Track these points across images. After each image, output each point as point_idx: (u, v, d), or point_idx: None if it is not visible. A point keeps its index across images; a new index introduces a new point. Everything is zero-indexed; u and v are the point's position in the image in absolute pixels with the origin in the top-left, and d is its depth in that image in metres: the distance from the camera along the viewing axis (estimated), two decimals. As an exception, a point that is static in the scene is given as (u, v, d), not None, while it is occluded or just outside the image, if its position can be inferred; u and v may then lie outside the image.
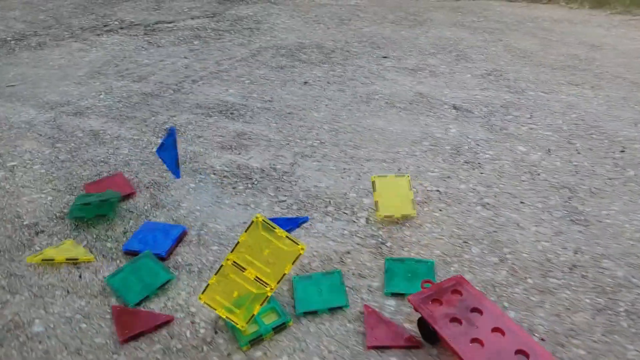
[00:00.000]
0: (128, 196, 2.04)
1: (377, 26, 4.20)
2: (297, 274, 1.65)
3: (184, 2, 5.16)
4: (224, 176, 2.19)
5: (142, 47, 3.90)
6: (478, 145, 2.35)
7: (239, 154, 2.36)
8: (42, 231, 1.87)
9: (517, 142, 2.37)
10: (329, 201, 2.00)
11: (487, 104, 2.75)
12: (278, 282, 1.44)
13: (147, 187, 2.12)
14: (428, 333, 1.42)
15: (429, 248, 1.74)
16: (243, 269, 1.46)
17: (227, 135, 2.54)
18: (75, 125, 2.70)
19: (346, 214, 1.92)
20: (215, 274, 1.45)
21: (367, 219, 1.88)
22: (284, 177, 2.16)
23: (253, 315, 1.43)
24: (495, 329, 1.34)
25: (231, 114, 2.78)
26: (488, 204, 1.95)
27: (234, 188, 2.10)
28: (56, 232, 1.87)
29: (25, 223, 1.93)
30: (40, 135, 2.60)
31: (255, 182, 2.14)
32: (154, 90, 3.13)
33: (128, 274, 1.64)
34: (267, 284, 1.44)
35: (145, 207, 2.00)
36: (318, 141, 2.44)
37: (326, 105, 2.83)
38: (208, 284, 1.46)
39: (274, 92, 3.03)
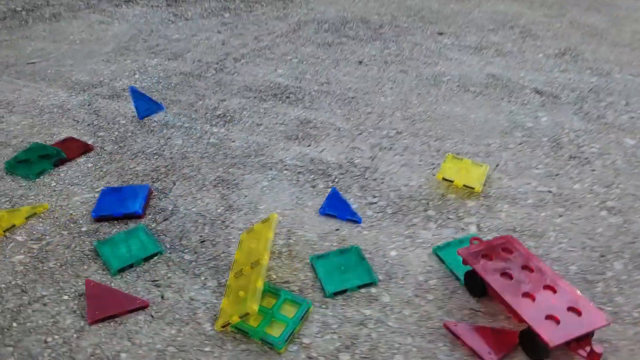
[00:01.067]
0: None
1: (420, -1, 3.90)
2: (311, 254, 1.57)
3: (203, -30, 4.80)
4: (299, 172, 1.94)
5: (169, 20, 3.58)
6: (578, 137, 2.11)
7: (309, 145, 2.11)
8: (104, 239, 1.64)
9: (622, 133, 2.12)
10: (427, 203, 1.77)
11: (573, 88, 2.49)
12: (267, 250, 1.40)
13: (215, 186, 1.88)
14: (476, 286, 1.44)
15: (562, 262, 1.51)
16: (241, 272, 1.43)
17: (289, 123, 2.28)
18: (114, 109, 2.42)
19: (451, 219, 1.70)
20: (225, 297, 1.38)
21: (478, 226, 1.67)
22: (367, 174, 1.92)
23: (257, 288, 1.32)
24: (547, 287, 1.34)
25: (287, 97, 2.51)
26: (613, 208, 1.72)
27: (313, 187, 1.85)
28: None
29: (83, 229, 1.67)
30: (78, 121, 2.32)
31: (336, 180, 1.89)
32: (194, 69, 2.84)
33: (118, 242, 1.60)
34: (259, 260, 1.40)
35: (218, 210, 1.75)
36: (394, 131, 2.19)
37: (391, 88, 2.57)
38: (221, 309, 1.36)
39: (328, 73, 2.75)
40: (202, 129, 2.24)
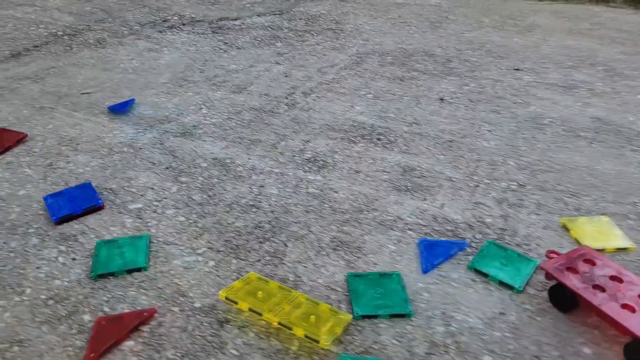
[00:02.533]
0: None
1: (479, 31, 3.74)
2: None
3: (241, -5, 4.63)
4: (425, 233, 1.71)
5: (220, 49, 3.37)
6: None
7: (424, 199, 1.88)
8: (228, 320, 1.38)
9: None
10: (588, 275, 1.55)
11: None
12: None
13: (335, 249, 1.63)
14: (563, 301, 1.39)
15: None
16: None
17: (391, 170, 2.06)
18: (190, 150, 2.18)
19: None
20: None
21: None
22: (506, 237, 1.67)
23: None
24: None
25: (378, 139, 2.29)
26: None
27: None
28: (246, 321, 1.35)
29: (196, 305, 1.41)
30: (153, 164, 2.08)
31: (473, 245, 1.67)
32: (263, 104, 2.62)
33: (118, 246, 1.60)
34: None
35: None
36: (515, 183, 1.97)
37: (489, 131, 2.36)
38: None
39: (412, 111, 2.54)
40: (296, 176, 2.00)
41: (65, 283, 1.48)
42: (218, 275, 1.48)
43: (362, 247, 1.62)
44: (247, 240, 1.64)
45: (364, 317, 1.37)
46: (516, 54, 3.30)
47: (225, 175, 1.99)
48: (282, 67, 3.08)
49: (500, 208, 1.81)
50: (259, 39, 3.56)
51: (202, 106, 2.57)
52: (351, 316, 1.35)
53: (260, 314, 1.33)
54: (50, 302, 1.42)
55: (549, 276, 1.39)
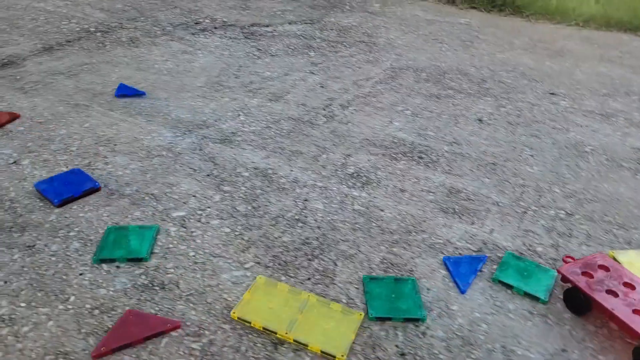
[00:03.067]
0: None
1: (510, 52, 3.72)
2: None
3: (271, 3, 4.61)
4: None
5: (254, 55, 3.34)
6: None
7: (472, 223, 1.84)
8: (282, 342, 1.32)
9: None
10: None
11: None
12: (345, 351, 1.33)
13: (385, 271, 1.55)
14: (578, 304, 1.45)
15: None
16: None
17: (436, 191, 2.02)
18: (231, 158, 2.15)
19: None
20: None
21: None
22: (558, 267, 1.66)
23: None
24: None
25: (419, 157, 2.25)
26: None
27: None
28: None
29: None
30: (194, 170, 2.04)
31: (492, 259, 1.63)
32: (302, 114, 2.59)
33: (126, 233, 1.63)
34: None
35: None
36: (562, 212, 1.93)
37: (532, 156, 2.32)
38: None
39: (450, 130, 2.51)
40: (340, 191, 1.96)
41: (111, 292, 1.45)
42: (269, 292, 1.45)
43: (414, 271, 1.58)
44: (296, 257, 1.60)
45: (377, 319, 1.42)
46: (550, 78, 3.27)
47: (268, 187, 1.95)
48: (318, 78, 3.06)
49: (550, 237, 1.77)
50: (292, 47, 3.54)
51: (240, 113, 2.54)
52: (363, 314, 1.41)
53: (275, 333, 1.32)
54: (96, 312, 1.38)
55: (564, 279, 1.48)
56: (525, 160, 2.28)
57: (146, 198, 1.83)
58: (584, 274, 1.46)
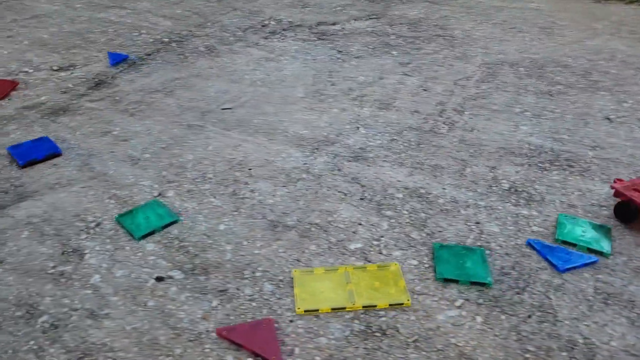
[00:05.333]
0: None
1: (599, 39, 3.52)
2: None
3: (329, -3, 4.44)
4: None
5: (337, 58, 3.18)
6: None
7: (665, 239, 1.72)
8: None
9: None
10: None
11: None
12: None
13: (605, 303, 1.44)
14: (628, 214, 1.71)
15: None
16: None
17: (607, 204, 1.87)
18: (374, 177, 2.00)
19: None
20: None
21: None
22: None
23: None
24: None
25: (569, 166, 2.11)
26: None
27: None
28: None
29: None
30: (345, 194, 1.89)
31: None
32: (420, 123, 2.44)
33: (137, 213, 1.79)
34: None
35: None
36: None
37: (685, 156, 2.19)
38: None
39: (585, 132, 2.34)
40: (507, 210, 1.81)
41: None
42: (496, 335, 1.33)
43: (635, 302, 1.46)
44: (502, 290, 1.48)
45: (445, 280, 1.50)
46: (657, 68, 3.11)
47: (430, 209, 1.81)
48: (415, 80, 2.90)
49: None
50: (371, 47, 3.38)
51: (358, 125, 2.40)
52: (397, 263, 1.54)
53: (344, 308, 1.41)
54: None
55: (617, 194, 1.74)
56: (682, 162, 2.14)
57: (312, 229, 1.71)
58: (634, 189, 1.71)
